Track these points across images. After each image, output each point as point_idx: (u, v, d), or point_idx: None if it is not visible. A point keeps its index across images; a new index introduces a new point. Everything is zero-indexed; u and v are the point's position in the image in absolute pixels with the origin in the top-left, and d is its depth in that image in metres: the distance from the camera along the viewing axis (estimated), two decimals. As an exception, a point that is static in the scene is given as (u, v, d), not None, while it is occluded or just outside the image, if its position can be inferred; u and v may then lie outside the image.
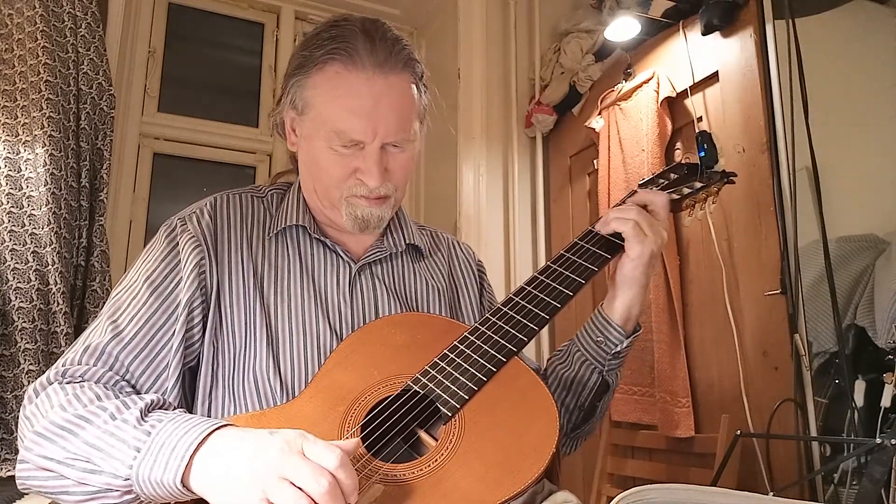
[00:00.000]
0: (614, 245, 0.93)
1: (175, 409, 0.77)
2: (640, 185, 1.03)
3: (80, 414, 0.71)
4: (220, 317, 0.87)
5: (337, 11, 3.02)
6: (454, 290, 1.05)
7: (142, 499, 0.68)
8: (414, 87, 0.91)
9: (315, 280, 0.93)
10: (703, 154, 1.03)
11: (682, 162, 1.07)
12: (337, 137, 0.87)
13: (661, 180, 1.04)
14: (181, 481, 0.64)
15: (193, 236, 0.89)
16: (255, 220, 0.96)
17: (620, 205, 0.98)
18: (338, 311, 0.92)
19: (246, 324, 0.87)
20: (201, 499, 0.65)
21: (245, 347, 0.86)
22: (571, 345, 0.99)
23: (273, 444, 0.63)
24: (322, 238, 0.96)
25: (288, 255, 0.94)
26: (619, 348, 0.94)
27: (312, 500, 0.59)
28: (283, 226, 0.95)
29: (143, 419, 0.70)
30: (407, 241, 1.02)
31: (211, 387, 0.86)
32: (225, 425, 0.68)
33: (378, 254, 0.98)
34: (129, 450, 0.67)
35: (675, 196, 1.00)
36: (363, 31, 0.87)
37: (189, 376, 0.87)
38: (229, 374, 0.86)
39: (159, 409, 0.74)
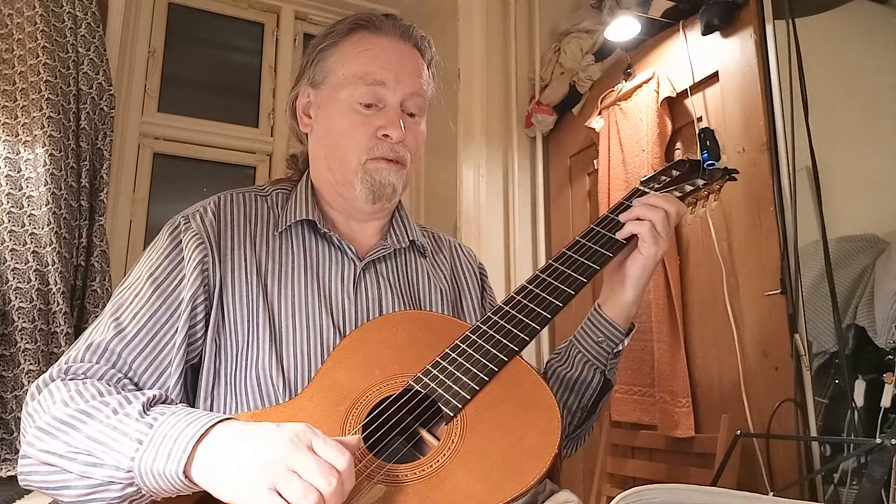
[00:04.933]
0: (617, 243, 0.92)
1: (178, 404, 0.76)
2: (642, 182, 1.03)
3: (83, 409, 0.71)
4: (223, 314, 0.87)
5: (337, 11, 3.04)
6: (457, 291, 1.06)
7: (143, 492, 0.68)
8: (425, 67, 0.99)
9: (319, 277, 0.93)
10: (705, 151, 1.03)
11: (685, 159, 1.06)
12: (361, 82, 0.92)
13: (663, 177, 1.03)
14: (183, 472, 0.64)
15: (197, 234, 0.90)
16: (258, 218, 0.96)
17: (627, 204, 0.97)
18: (342, 308, 0.92)
19: (249, 321, 0.87)
20: (203, 492, 0.65)
21: (248, 345, 0.86)
22: (570, 346, 1.00)
23: (281, 436, 0.63)
24: (329, 232, 0.96)
25: (292, 252, 0.94)
26: (619, 347, 0.96)
27: (321, 495, 0.59)
28: (290, 222, 0.95)
29: (145, 412, 0.70)
30: (410, 238, 1.03)
31: (213, 384, 0.86)
32: (228, 419, 0.68)
33: (382, 251, 0.99)
34: (131, 442, 0.67)
35: (676, 194, 1.00)
36: (382, 15, 0.98)
37: (191, 374, 0.87)
38: (231, 371, 0.86)
39: (162, 403, 0.73)
